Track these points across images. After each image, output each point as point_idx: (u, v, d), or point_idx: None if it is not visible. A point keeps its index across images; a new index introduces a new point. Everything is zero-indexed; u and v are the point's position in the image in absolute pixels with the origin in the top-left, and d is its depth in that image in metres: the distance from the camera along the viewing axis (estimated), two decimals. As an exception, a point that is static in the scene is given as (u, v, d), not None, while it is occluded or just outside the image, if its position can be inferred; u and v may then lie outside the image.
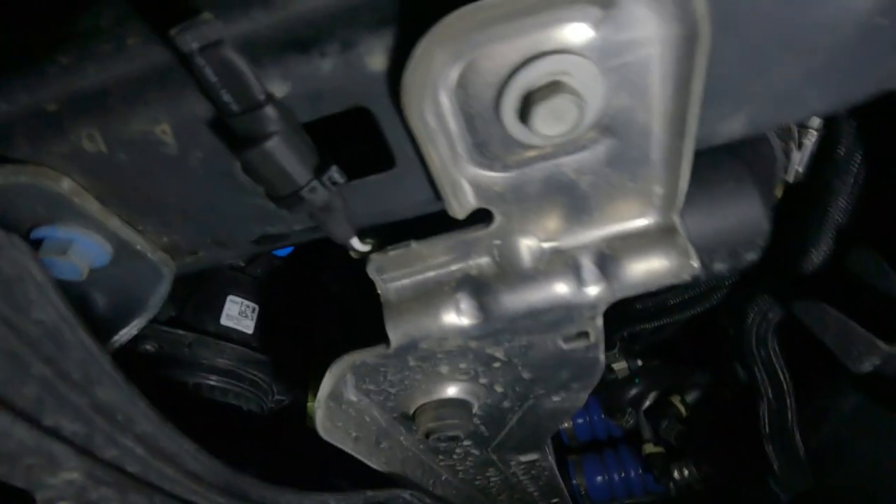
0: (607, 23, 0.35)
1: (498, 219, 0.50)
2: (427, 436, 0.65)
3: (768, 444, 1.00)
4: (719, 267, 0.66)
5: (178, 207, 0.49)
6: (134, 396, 0.35)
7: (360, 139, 0.45)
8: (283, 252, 0.90)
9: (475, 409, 0.69)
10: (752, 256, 0.65)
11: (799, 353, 0.91)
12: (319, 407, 0.58)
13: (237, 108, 0.35)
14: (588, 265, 0.53)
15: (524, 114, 0.38)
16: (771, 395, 0.95)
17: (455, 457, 0.90)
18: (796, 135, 0.75)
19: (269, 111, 0.36)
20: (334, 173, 0.40)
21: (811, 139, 0.75)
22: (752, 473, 1.14)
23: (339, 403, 0.62)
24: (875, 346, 0.59)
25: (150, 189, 0.47)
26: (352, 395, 0.63)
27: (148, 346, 0.74)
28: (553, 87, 0.36)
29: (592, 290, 0.53)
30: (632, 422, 1.43)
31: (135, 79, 0.40)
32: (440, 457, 0.88)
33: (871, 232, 0.70)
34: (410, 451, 0.80)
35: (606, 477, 1.48)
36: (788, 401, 0.93)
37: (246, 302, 0.85)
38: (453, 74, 0.37)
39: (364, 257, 0.54)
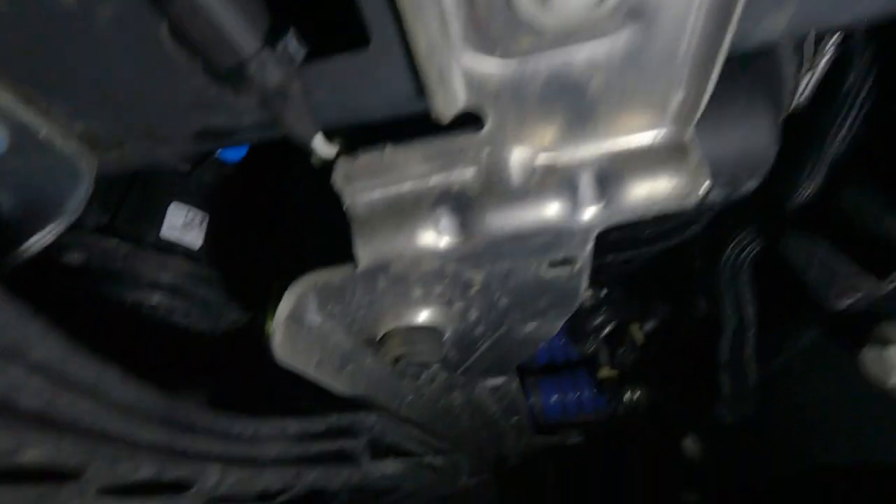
0: None
1: (490, 123, 0.42)
2: (395, 362, 0.61)
3: (723, 372, 1.04)
4: (715, 194, 0.62)
5: (91, 83, 0.38)
6: (23, 318, 0.27)
7: (324, 3, 0.36)
8: (235, 157, 0.79)
9: (446, 336, 0.65)
10: (751, 185, 0.61)
11: (766, 286, 0.91)
12: (277, 328, 0.52)
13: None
14: (586, 184, 0.47)
15: (540, -23, 0.30)
16: (733, 327, 0.96)
17: (421, 380, 0.88)
18: (811, 54, 0.69)
19: (199, -62, 0.26)
20: (291, 42, 0.31)
21: (824, 61, 0.69)
22: (699, 398, 1.21)
23: (300, 326, 0.56)
24: (862, 280, 0.58)
25: (49, 55, 0.36)
26: (314, 317, 0.57)
27: (74, 256, 0.63)
28: (582, -60, 0.28)
29: (587, 213, 0.48)
30: (593, 348, 1.47)
31: None
32: (406, 380, 0.86)
33: (870, 171, 0.67)
34: (376, 375, 0.77)
35: (560, 396, 1.55)
36: (749, 333, 0.95)
37: (193, 210, 0.73)
38: None
39: (329, 163, 0.46)
